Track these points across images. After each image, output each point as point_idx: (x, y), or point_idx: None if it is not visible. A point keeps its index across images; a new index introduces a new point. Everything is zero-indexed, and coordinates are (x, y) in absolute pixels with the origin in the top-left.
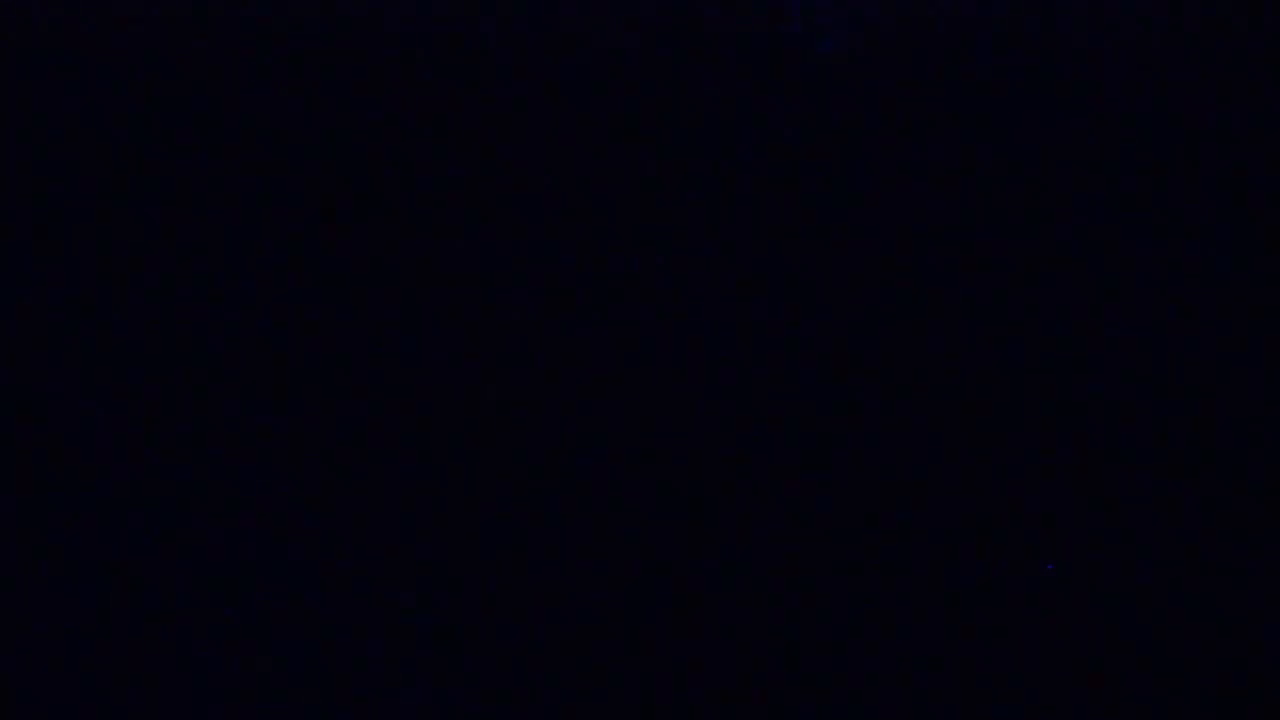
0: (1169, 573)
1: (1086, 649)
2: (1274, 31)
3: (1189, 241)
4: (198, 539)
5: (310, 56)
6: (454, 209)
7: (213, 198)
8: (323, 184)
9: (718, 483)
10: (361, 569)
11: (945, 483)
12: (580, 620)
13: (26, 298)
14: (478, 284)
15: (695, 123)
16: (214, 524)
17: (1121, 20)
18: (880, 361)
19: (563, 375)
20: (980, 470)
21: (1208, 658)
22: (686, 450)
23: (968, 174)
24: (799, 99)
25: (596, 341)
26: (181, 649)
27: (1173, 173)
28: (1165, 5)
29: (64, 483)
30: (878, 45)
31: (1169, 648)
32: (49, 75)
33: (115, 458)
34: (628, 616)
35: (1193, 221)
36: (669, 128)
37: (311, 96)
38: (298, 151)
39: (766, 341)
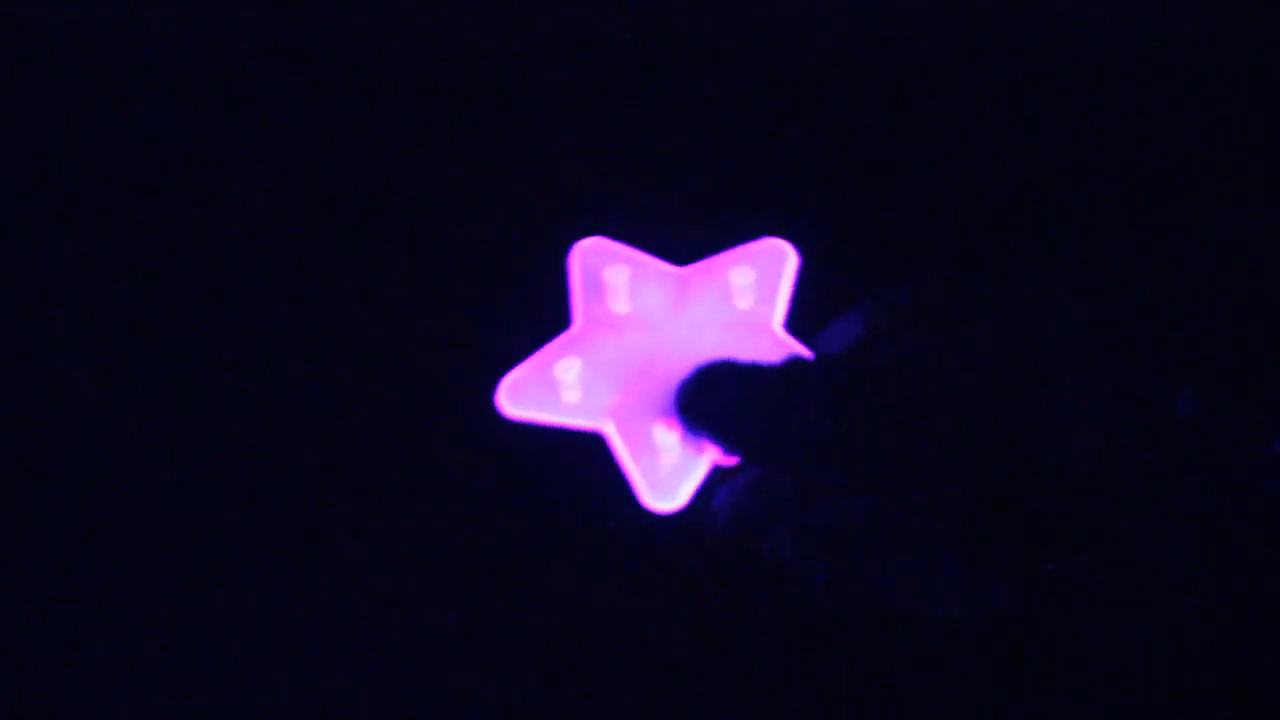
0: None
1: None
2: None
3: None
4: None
5: None
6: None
7: None
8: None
9: None
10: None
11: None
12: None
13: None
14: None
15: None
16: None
17: (1122, 20)
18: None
19: None
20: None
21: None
22: None
23: (965, 176)
24: (792, 100)
25: None
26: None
27: (1176, 174)
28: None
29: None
30: (875, 45)
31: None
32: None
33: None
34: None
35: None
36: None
37: None
38: None
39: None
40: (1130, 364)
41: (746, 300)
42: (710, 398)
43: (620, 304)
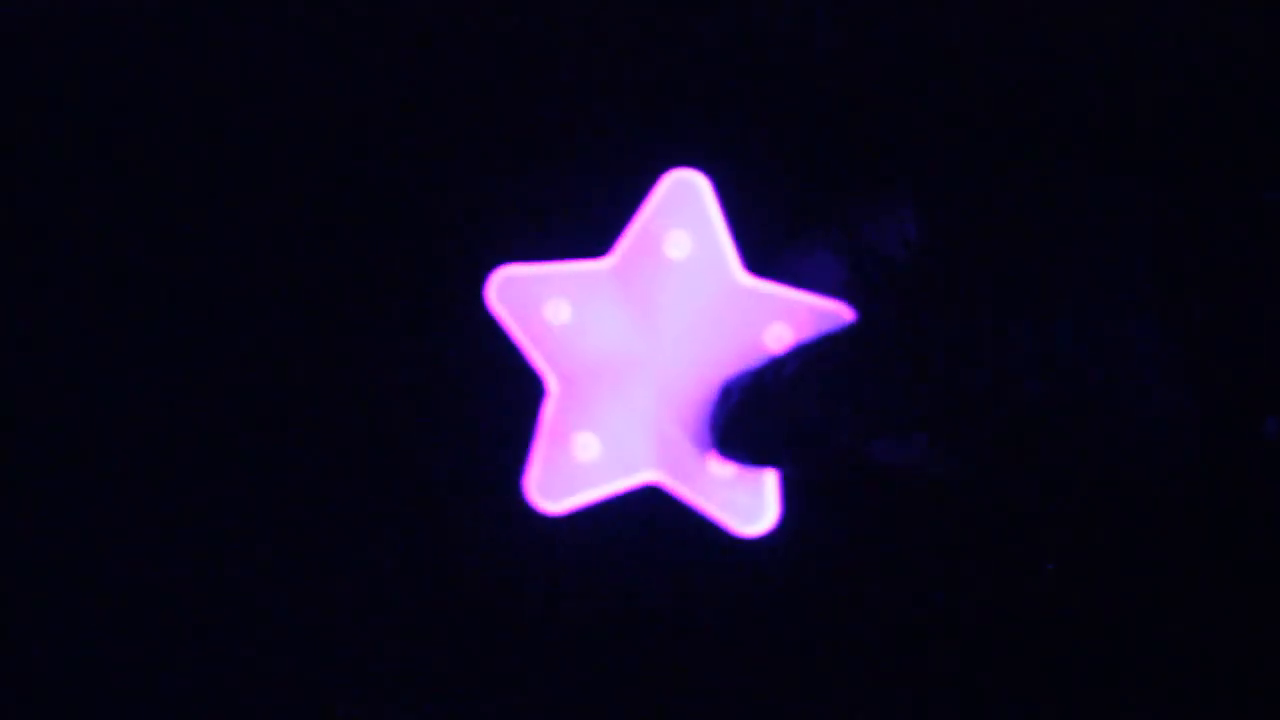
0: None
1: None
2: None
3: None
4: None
5: None
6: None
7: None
8: None
9: None
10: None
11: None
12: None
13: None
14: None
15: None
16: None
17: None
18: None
19: None
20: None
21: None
22: None
23: (965, 178)
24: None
25: None
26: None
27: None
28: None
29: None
30: (873, 45)
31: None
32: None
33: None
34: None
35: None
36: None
37: None
38: None
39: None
40: (1210, 379)
41: (684, 251)
42: (751, 437)
43: (577, 338)
